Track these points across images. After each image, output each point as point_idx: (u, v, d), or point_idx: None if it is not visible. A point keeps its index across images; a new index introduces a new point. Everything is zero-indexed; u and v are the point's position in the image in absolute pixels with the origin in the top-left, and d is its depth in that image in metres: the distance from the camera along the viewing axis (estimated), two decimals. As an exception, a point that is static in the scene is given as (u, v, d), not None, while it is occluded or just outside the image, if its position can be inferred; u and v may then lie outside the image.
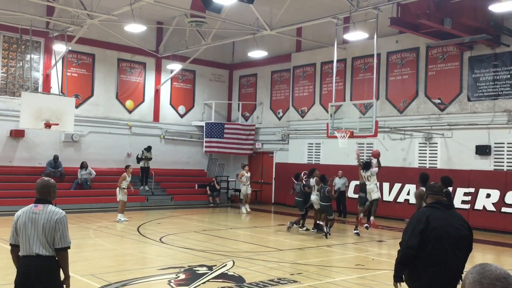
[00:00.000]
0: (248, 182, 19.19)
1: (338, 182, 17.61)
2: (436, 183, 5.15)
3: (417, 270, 4.68)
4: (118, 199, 15.40)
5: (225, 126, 23.22)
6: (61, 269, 4.65)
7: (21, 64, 19.04)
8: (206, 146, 23.10)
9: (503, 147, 15.49)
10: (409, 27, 15.12)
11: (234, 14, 17.65)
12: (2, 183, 17.76)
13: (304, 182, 14.56)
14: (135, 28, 17.03)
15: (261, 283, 8.01)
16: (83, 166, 19.34)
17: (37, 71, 19.50)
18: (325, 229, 13.46)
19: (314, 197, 14.03)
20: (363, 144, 18.82)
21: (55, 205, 4.74)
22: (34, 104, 16.24)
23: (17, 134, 18.57)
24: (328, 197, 13.46)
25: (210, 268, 9.01)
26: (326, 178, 13.94)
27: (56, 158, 18.95)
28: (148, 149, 20.92)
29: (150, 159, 20.88)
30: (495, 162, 15.59)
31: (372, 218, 13.64)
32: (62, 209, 4.68)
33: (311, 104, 20.96)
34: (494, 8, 12.94)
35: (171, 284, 7.87)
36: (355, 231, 13.86)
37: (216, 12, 15.04)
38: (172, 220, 16.48)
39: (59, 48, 18.95)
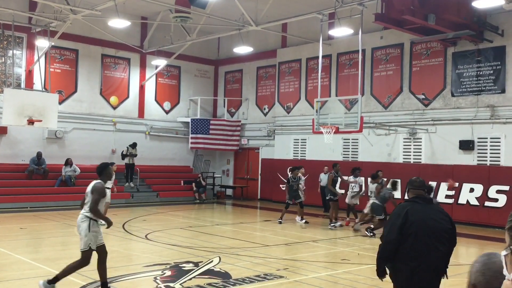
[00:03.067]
0: (303, 188, 15.67)
1: (324, 178, 17.68)
2: (417, 178, 5.16)
3: (399, 265, 4.70)
4: None
5: (211, 122, 23.16)
6: None
7: (3, 60, 18.76)
8: (191, 142, 23.03)
9: (486, 142, 15.67)
10: (394, 23, 15.19)
11: (219, 9, 17.57)
12: (-16, 180, 17.52)
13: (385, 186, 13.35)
14: (119, 23, 16.86)
15: (247, 279, 8.01)
16: (68, 163, 19.15)
17: (19, 67, 19.24)
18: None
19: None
20: (349, 139, 18.91)
21: None
22: (16, 100, 16.01)
23: (-1, 131, 18.33)
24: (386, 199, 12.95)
25: (196, 264, 8.99)
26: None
27: (39, 155, 18.73)
28: (133, 145, 20.78)
29: (135, 155, 20.75)
30: (478, 156, 15.76)
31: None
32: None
33: (296, 100, 20.99)
34: (477, 4, 13.04)
35: (157, 281, 7.84)
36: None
37: (201, 7, 14.98)
38: (158, 217, 16.41)
39: (42, 43, 18.71)
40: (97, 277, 7.86)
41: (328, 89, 19.49)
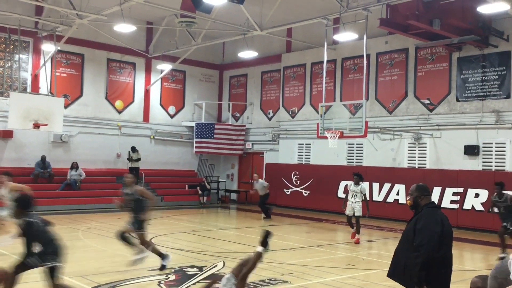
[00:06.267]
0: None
1: (256, 186, 17.96)
2: (424, 184, 5.16)
3: (430, 274, 4.53)
4: None
5: (215, 126, 23.20)
6: None
7: (9, 64, 18.87)
8: (196, 147, 23.06)
9: (491, 147, 15.62)
10: (398, 28, 15.20)
11: (224, 14, 17.63)
12: (-10, 184, 17.58)
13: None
14: (124, 28, 16.93)
15: (251, 284, 8.00)
16: (73, 166, 19.22)
17: (25, 71, 19.35)
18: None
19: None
20: (353, 144, 18.88)
21: None
22: (22, 104, 16.10)
23: (5, 135, 18.41)
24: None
25: (200, 268, 8.99)
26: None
27: (43, 158, 18.80)
28: (133, 149, 20.83)
29: (138, 159, 20.78)
30: (483, 162, 15.71)
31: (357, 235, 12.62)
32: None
33: (301, 105, 21.00)
34: (483, 9, 13.01)
35: (161, 285, 7.85)
36: None
37: (206, 12, 15.02)
38: (162, 221, 16.42)
39: (48, 48, 18.81)
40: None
41: (332, 94, 19.50)
